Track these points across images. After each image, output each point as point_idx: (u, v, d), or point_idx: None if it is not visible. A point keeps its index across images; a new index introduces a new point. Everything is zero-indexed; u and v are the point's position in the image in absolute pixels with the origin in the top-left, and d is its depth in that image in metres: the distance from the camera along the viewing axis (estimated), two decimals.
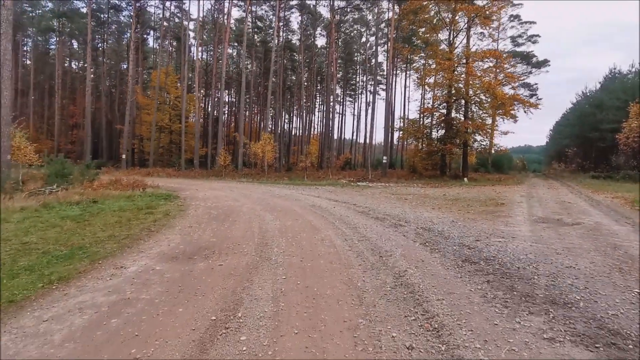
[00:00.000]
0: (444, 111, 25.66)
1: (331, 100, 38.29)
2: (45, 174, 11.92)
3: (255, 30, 45.78)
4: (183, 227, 6.84)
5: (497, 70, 23.73)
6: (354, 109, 63.85)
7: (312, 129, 57.37)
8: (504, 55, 24.81)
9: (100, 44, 41.49)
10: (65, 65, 44.65)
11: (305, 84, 49.62)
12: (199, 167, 29.85)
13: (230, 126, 48.15)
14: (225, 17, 33.24)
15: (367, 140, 60.24)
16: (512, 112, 24.06)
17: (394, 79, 27.55)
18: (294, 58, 51.02)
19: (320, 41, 58.68)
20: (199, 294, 3.45)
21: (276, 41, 38.79)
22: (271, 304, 3.19)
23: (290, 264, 4.45)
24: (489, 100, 23.00)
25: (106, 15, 36.44)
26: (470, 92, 24.28)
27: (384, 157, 25.53)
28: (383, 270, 4.14)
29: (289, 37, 48.81)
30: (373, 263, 4.42)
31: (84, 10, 35.02)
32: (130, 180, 14.43)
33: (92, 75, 41.14)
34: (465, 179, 23.31)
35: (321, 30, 49.31)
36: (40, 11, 37.42)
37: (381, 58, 54.55)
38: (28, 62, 42.91)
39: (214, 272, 4.12)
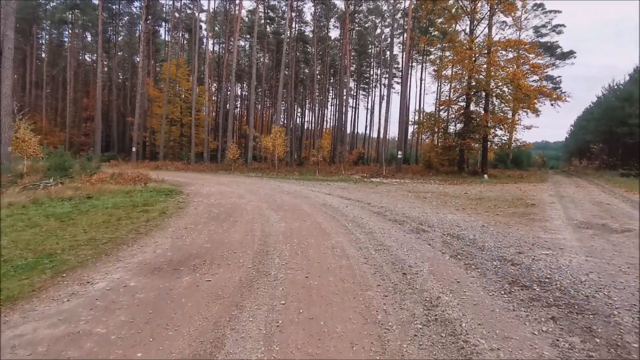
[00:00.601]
0: (463, 104, 24.32)
1: (344, 93, 37.17)
2: (44, 166, 11.41)
3: (268, 21, 44.86)
4: (177, 228, 6.10)
5: (522, 61, 22.22)
6: (368, 102, 62.15)
7: (325, 123, 56.40)
8: (529, 44, 23.21)
9: (112, 37, 41.30)
10: (80, 58, 44.78)
11: (318, 77, 48.51)
12: (209, 161, 29.36)
13: (242, 120, 47.64)
14: (237, 8, 32.44)
15: (381, 135, 58.97)
16: (536, 105, 22.58)
17: (410, 72, 26.32)
18: (307, 50, 50.01)
19: (334, 33, 57.28)
20: (172, 326, 2.65)
21: (288, 33, 37.84)
22: (262, 347, 2.37)
23: (292, 281, 3.62)
24: (512, 92, 21.58)
25: (117, 7, 36.08)
26: (492, 84, 22.88)
27: (399, 152, 24.42)
28: (409, 294, 3.27)
29: (302, 28, 47.77)
30: (395, 283, 3.55)
31: (96, 1, 34.71)
32: (134, 174, 13.87)
33: (105, 69, 41.10)
34: (485, 175, 22.05)
35: (335, 22, 48.10)
36: (54, 3, 37.38)
37: (396, 50, 53.06)
38: (43, 54, 43.16)
39: (197, 292, 3.32)
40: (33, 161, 11.48)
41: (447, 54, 30.31)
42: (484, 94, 23.76)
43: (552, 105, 21.86)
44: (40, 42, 43.72)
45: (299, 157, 45.37)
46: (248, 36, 46.28)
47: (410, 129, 35.47)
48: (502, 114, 23.69)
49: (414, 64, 47.80)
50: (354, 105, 59.17)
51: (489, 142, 25.01)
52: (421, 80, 49.01)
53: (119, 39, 42.18)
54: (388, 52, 52.53)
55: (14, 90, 36.58)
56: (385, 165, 26.29)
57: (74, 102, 39.90)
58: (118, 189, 10.13)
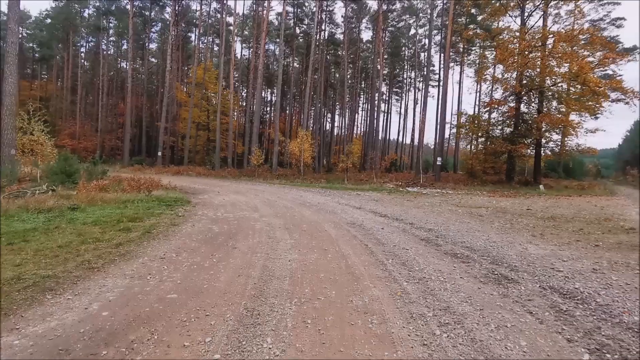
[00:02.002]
0: (512, 104, 21.49)
1: (376, 97, 35.06)
2: (43, 171, 10.38)
3: (297, 23, 43.81)
4: (151, 258, 4.45)
5: (587, 53, 19.14)
6: (400, 107, 59.48)
7: (355, 129, 54.42)
8: (596, 35, 19.99)
9: (147, 43, 41.96)
10: (117, 64, 46.03)
11: (349, 81, 46.67)
12: (234, 167, 28.34)
13: (271, 125, 46.74)
14: (265, 11, 31.48)
15: (416, 140, 56.06)
16: (603, 104, 19.38)
17: (449, 71, 23.83)
18: (338, 54, 48.55)
19: (366, 35, 55.42)
20: None
21: (317, 34, 36.47)
22: None
23: None
24: (577, 89, 18.58)
25: (149, 14, 36.41)
26: (548, 81, 19.96)
27: (437, 159, 21.93)
28: None
29: (333, 30, 46.38)
30: None
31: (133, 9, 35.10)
32: (145, 180, 12.68)
33: (143, 75, 41.80)
34: (541, 186, 19.09)
35: (367, 23, 46.32)
36: (90, 11, 38.48)
37: (432, 51, 50.19)
38: (85, 62, 44.69)
39: None
40: (34, 165, 10.52)
41: (488, 53, 27.49)
42: (534, 93, 20.87)
43: (626, 104, 18.58)
44: (77, 49, 45.33)
45: (328, 163, 43.68)
46: (278, 40, 45.54)
47: (447, 134, 32.64)
48: (559, 115, 20.62)
49: (451, 64, 44.85)
50: (386, 110, 56.75)
51: (542, 148, 22.03)
52: (459, 83, 45.87)
53: (153, 46, 42.91)
54: (422, 54, 50.04)
55: (53, 94, 37.78)
56: (418, 173, 23.88)
57: (111, 107, 40.84)
58: (115, 197, 8.80)
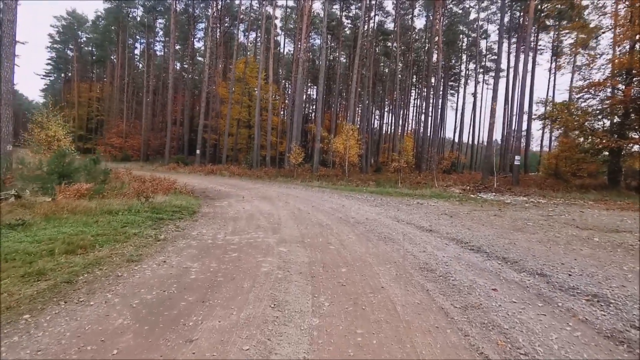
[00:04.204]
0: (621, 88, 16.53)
1: (432, 84, 30.90)
2: (30, 170, 8.62)
3: (344, 8, 40.75)
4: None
5: None
6: (457, 101, 53.90)
7: (406, 126, 50.08)
8: None
9: (192, 40, 41.67)
10: (167, 64, 46.65)
11: (399, 76, 42.54)
12: (272, 166, 26.25)
13: (316, 122, 44.34)
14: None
15: (479, 137, 50.40)
16: None
17: (527, 54, 19.04)
18: (387, 45, 44.78)
19: (419, 22, 50.89)
20: None
21: (365, 26, 33.19)
22: None
23: None
24: None
25: (193, 10, 35.75)
26: None
27: (516, 157, 17.66)
28: None
29: (382, 19, 42.68)
30: None
31: (178, 6, 34.66)
32: (159, 181, 10.67)
33: (191, 75, 41.70)
34: None
35: (420, 9, 41.92)
36: (140, 11, 38.91)
37: (495, 37, 44.32)
38: (138, 63, 45.81)
39: None
40: (20, 163, 8.87)
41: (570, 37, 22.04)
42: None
43: None
44: (129, 50, 46.61)
45: (376, 162, 40.22)
46: (327, 33, 42.85)
47: (524, 127, 27.47)
48: None
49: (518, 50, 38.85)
50: (439, 105, 51.64)
51: None
52: (533, 73, 39.61)
53: (200, 45, 42.59)
54: (483, 42, 44.47)
55: (107, 95, 38.78)
56: (487, 175, 19.71)
57: (161, 107, 41.18)
58: (96, 207, 6.62)
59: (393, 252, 4.76)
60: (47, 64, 49.50)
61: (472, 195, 13.14)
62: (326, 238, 5.55)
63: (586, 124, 17.89)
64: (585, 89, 17.27)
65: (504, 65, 35.97)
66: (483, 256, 4.60)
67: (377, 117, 52.65)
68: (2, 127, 9.16)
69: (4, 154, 9.46)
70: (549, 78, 41.03)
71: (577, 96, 18.82)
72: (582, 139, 18.77)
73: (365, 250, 4.87)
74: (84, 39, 46.13)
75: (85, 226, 5.49)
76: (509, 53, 39.17)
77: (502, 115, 36.89)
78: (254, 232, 5.90)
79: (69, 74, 46.70)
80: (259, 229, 6.16)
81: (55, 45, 46.78)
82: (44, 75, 51.49)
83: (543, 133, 31.53)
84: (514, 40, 38.67)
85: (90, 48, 46.37)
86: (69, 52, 46.60)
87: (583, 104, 18.56)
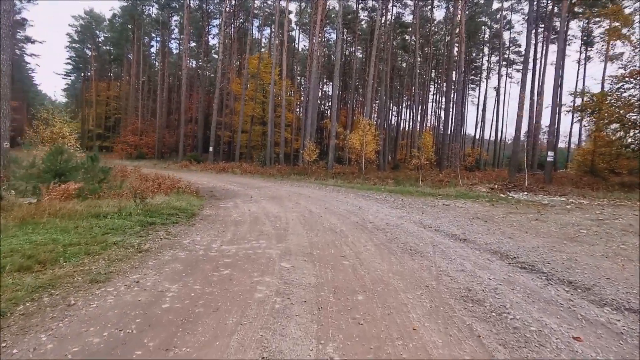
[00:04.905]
0: None
1: (454, 78, 29.35)
2: (23, 168, 8.08)
3: (361, 6, 39.52)
4: None
5: None
6: (479, 96, 51.62)
7: (425, 122, 48.36)
8: None
9: (207, 37, 41.32)
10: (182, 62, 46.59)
11: (418, 70, 40.90)
12: (286, 163, 25.48)
13: (331, 118, 43.34)
14: None
15: (502, 134, 48.20)
16: None
17: (562, 40, 17.40)
18: (405, 38, 43.18)
19: (438, 14, 48.93)
20: None
21: (383, 18, 31.80)
22: None
23: None
24: None
25: (205, 6, 35.27)
26: None
27: (549, 153, 16.18)
28: None
29: (400, 10, 41.04)
30: None
31: (192, 3, 34.25)
32: (163, 180, 10.01)
33: (206, 72, 41.44)
34: None
35: (439, 0, 40.07)
36: (154, 6, 38.76)
37: (518, 27, 42.04)
38: (155, 61, 45.91)
39: None
40: (12, 161, 8.36)
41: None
42: None
43: None
44: (145, 48, 46.74)
45: (394, 159, 38.93)
46: (342, 27, 41.65)
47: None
48: None
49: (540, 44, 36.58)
50: (460, 101, 49.63)
51: None
52: (563, 64, 37.25)
53: (215, 42, 42.18)
54: (507, 34, 42.30)
55: (124, 93, 38.94)
56: (514, 172, 18.27)
57: (177, 104, 41.10)
58: (83, 209, 5.94)
59: (423, 271, 3.80)
60: (67, 63, 50.47)
61: (502, 195, 11.92)
62: (339, 249, 4.64)
63: (627, 115, 16.24)
64: (628, 77, 15.58)
65: (534, 54, 33.78)
66: (541, 279, 3.57)
67: (394, 113, 51.06)
68: (0, 123, 8.67)
69: (3, 150, 8.99)
70: (577, 69, 38.52)
71: (615, 86, 17.14)
72: (621, 133, 17.13)
73: (387, 267, 3.93)
74: (102, 38, 46.67)
75: (61, 233, 4.78)
76: (536, 43, 37.02)
77: (527, 109, 34.88)
78: (255, 240, 5.06)
79: (88, 73, 47.36)
80: (261, 236, 5.32)
81: (74, 45, 47.52)
82: (64, 75, 52.55)
83: (571, 128, 29.50)
84: (540, 30, 36.46)
85: (107, 47, 46.86)
86: (87, 51, 47.25)
87: (624, 94, 16.88)
